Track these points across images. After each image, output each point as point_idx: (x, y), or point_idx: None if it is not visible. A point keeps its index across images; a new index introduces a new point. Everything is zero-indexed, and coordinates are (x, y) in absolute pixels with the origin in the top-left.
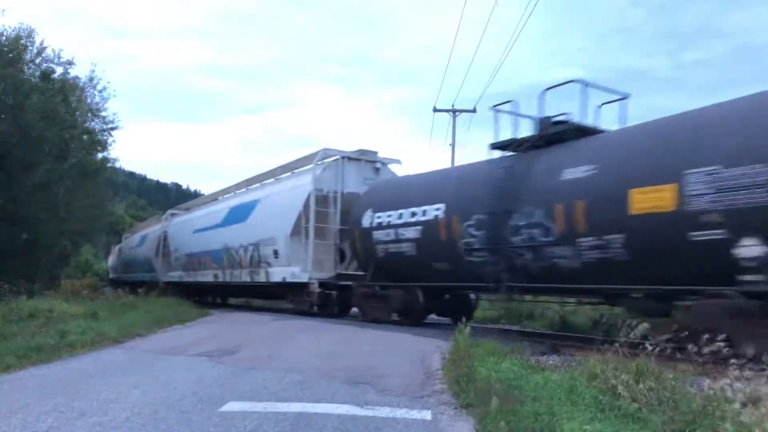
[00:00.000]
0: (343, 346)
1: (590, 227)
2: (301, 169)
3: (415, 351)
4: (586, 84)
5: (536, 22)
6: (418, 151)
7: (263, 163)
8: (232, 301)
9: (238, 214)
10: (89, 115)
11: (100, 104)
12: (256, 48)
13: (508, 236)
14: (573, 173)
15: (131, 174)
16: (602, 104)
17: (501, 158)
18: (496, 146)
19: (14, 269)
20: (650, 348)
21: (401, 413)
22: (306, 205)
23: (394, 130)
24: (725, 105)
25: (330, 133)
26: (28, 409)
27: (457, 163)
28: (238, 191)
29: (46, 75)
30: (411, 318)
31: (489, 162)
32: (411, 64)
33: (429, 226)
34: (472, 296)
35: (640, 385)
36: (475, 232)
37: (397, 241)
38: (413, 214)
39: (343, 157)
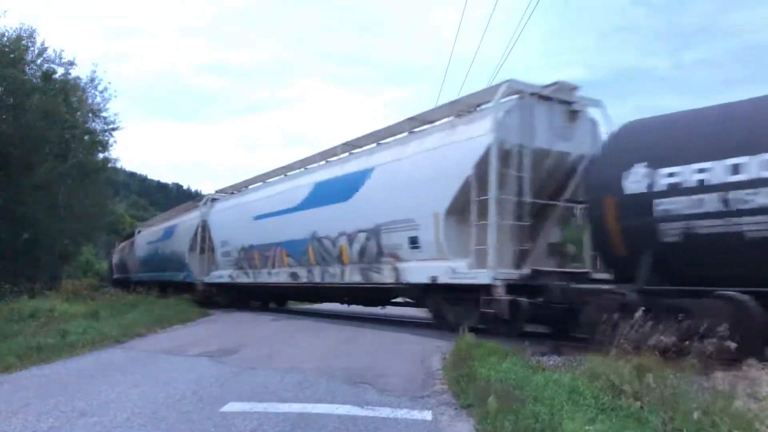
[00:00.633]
0: (344, 346)
1: None
2: (466, 117)
3: (415, 351)
4: None
5: (537, 21)
6: None
7: (263, 163)
8: (318, 306)
9: (334, 191)
10: (90, 115)
11: (101, 104)
12: (256, 47)
13: None
14: None
15: (132, 174)
16: None
17: None
18: None
19: (15, 269)
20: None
21: (402, 413)
22: (480, 165)
23: None
24: None
25: (330, 132)
26: (29, 408)
27: None
28: (324, 161)
29: (47, 75)
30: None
31: None
32: (412, 63)
33: None
34: None
35: (642, 381)
36: None
37: (725, 213)
38: None
39: (532, 94)
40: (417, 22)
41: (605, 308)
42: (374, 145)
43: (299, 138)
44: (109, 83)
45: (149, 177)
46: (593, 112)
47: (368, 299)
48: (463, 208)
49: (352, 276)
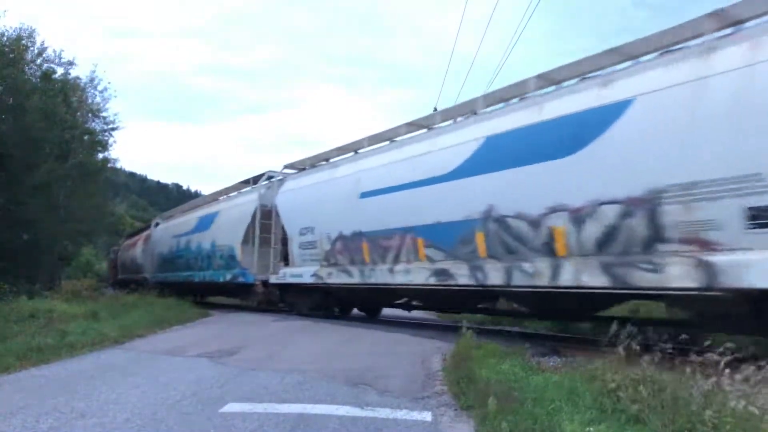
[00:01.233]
0: (344, 347)
1: None
2: None
3: (415, 352)
4: None
5: (538, 22)
6: None
7: (264, 163)
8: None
9: (535, 144)
10: (90, 115)
11: (101, 105)
12: (257, 48)
13: None
14: None
15: (132, 174)
16: None
17: None
18: None
19: (15, 270)
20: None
21: (401, 414)
22: None
23: None
24: None
25: (330, 133)
26: (29, 409)
27: None
28: (501, 104)
29: (47, 75)
30: None
31: None
32: (412, 65)
33: None
34: None
35: (640, 387)
36: None
37: None
38: None
39: None
40: (418, 24)
41: None
42: (627, 65)
43: (300, 138)
44: (109, 83)
45: (149, 177)
46: None
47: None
48: None
49: (580, 275)
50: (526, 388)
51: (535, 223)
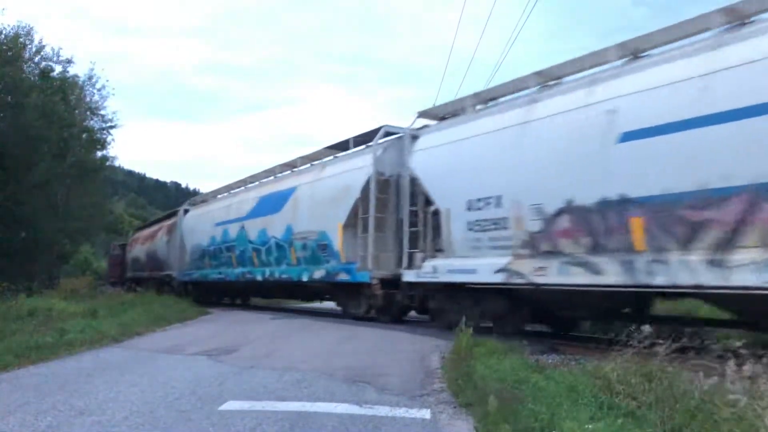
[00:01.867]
0: (342, 345)
1: None
2: None
3: (414, 350)
4: None
5: (537, 21)
6: None
7: (264, 162)
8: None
9: None
10: (88, 113)
11: (99, 103)
12: (256, 46)
13: None
14: None
15: (130, 173)
16: None
17: None
18: None
19: (13, 268)
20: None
21: (400, 412)
22: None
23: None
24: None
25: (330, 130)
26: (27, 407)
27: None
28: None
29: (45, 73)
30: None
31: None
32: (412, 63)
33: None
34: None
35: (636, 380)
36: None
37: None
38: None
39: None
40: (418, 22)
41: None
42: None
43: (299, 137)
44: (107, 81)
45: (147, 176)
46: None
47: None
48: None
49: None
50: (525, 386)
51: None
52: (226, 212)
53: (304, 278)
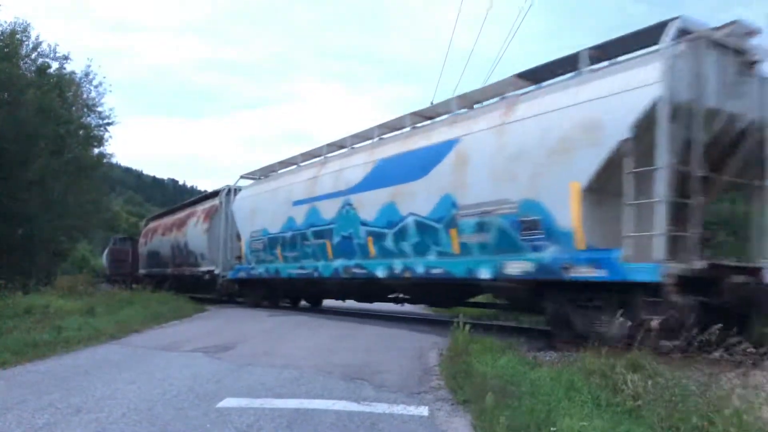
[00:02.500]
0: (340, 342)
1: None
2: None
3: (412, 347)
4: None
5: (536, 18)
6: None
7: (264, 159)
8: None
9: None
10: (85, 110)
11: (96, 99)
12: (255, 43)
13: None
14: None
15: (128, 170)
16: None
17: None
18: None
19: (10, 265)
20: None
21: (398, 409)
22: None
23: None
24: None
25: (329, 128)
26: (24, 405)
27: None
28: None
29: (42, 70)
30: None
31: None
32: (411, 60)
33: None
34: None
35: (633, 376)
36: None
37: None
38: None
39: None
40: (417, 20)
41: None
42: None
43: (298, 134)
44: (104, 77)
45: (145, 173)
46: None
47: None
48: None
49: None
50: (522, 383)
51: None
52: (311, 186)
53: (484, 275)
